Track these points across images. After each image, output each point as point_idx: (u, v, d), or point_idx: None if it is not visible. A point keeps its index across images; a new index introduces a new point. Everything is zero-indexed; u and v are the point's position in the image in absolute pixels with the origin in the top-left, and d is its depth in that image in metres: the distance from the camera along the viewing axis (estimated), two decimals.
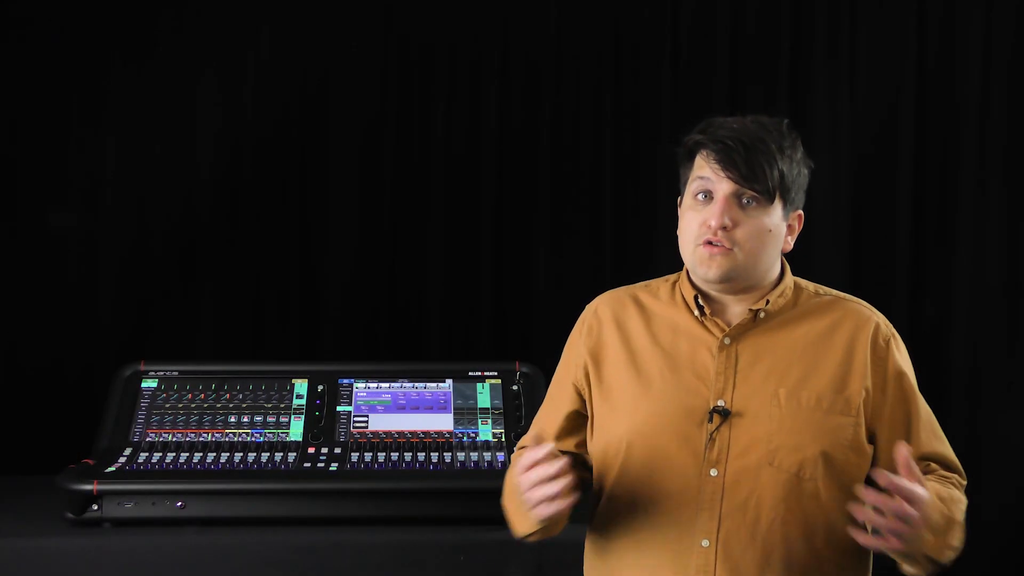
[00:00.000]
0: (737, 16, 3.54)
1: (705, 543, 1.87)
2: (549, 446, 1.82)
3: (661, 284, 2.06)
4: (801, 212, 1.99)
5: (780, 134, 1.94)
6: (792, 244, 1.99)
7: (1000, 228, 3.53)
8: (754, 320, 1.95)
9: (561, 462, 1.79)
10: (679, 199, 2.00)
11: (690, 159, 1.97)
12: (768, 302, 1.95)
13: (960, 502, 1.89)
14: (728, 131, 1.91)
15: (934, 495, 1.78)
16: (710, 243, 1.89)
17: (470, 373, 2.85)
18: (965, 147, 3.53)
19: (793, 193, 1.94)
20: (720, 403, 1.90)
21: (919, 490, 1.72)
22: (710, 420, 1.89)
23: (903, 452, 1.74)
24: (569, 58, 3.54)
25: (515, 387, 2.80)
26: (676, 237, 1.99)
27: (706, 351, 1.94)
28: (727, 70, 3.54)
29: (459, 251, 3.53)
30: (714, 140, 1.91)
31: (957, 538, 1.84)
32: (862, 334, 1.94)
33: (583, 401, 2.04)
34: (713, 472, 1.88)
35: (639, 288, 2.08)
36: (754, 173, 1.88)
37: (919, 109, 3.54)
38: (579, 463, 2.03)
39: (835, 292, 2.03)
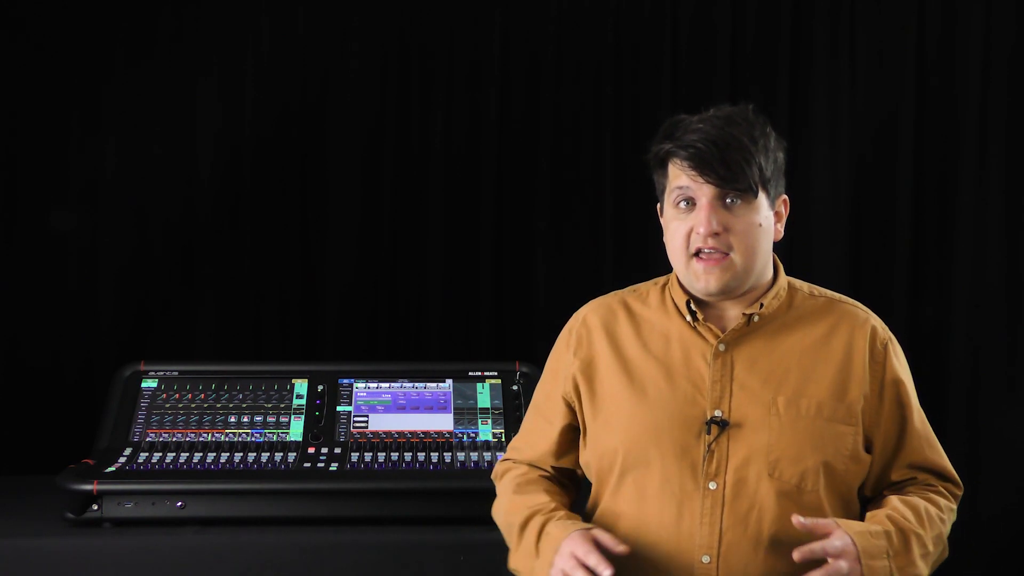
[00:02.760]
0: (737, 16, 3.54)
1: (706, 559, 1.81)
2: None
3: (651, 288, 2.00)
4: (786, 197, 1.94)
5: (749, 124, 1.86)
6: (783, 232, 1.93)
7: (1000, 228, 3.53)
8: (748, 324, 1.89)
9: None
10: (659, 206, 1.95)
11: (663, 167, 1.91)
12: (762, 305, 1.89)
13: (937, 510, 1.86)
14: (697, 133, 1.83)
15: (868, 520, 1.79)
16: (701, 254, 1.84)
17: (470, 373, 2.85)
18: (965, 147, 3.53)
19: (775, 181, 1.89)
20: (718, 413, 1.85)
21: (836, 541, 1.72)
22: (708, 431, 1.84)
23: (796, 521, 1.74)
24: (569, 58, 3.54)
25: (515, 387, 2.80)
26: (664, 243, 1.94)
27: (700, 358, 1.89)
28: (727, 70, 3.54)
29: (459, 251, 3.53)
30: (684, 146, 1.83)
31: (930, 551, 1.83)
32: (859, 338, 1.90)
33: (575, 414, 1.98)
34: (712, 485, 1.82)
35: (627, 294, 2.02)
36: (733, 173, 1.81)
37: (919, 109, 3.54)
38: (576, 482, 2.02)
39: (829, 293, 1.98)
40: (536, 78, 3.54)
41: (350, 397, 2.78)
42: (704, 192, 1.84)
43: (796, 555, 1.72)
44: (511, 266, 3.55)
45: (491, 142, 3.53)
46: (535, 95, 3.54)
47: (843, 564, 1.72)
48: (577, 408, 1.98)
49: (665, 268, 2.06)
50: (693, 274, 1.87)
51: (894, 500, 1.85)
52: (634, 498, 1.87)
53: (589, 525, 1.85)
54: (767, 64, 3.54)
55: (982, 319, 3.54)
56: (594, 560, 1.73)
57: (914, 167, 3.54)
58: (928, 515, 1.85)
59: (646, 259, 3.48)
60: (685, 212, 1.86)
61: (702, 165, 1.82)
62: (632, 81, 3.55)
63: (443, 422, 2.72)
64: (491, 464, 2.57)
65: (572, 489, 2.04)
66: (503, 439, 2.67)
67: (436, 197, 3.53)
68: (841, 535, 1.74)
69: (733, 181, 1.82)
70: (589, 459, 1.96)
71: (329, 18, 3.50)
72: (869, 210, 3.56)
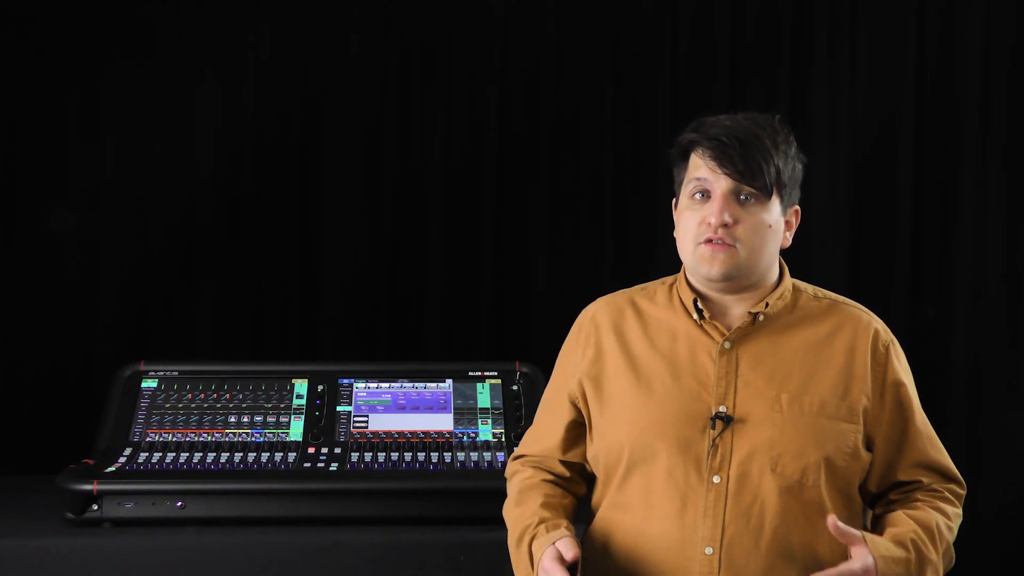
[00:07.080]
0: (737, 18, 3.54)
1: (709, 551, 1.85)
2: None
3: (658, 287, 2.04)
4: (798, 208, 1.99)
5: (773, 129, 1.93)
6: (791, 240, 1.98)
7: (1000, 228, 3.53)
8: (753, 323, 1.93)
9: None
10: (674, 200, 1.99)
11: (684, 159, 1.96)
12: (767, 305, 1.93)
13: (947, 520, 1.89)
14: (722, 128, 1.90)
15: (892, 541, 1.81)
16: (710, 241, 1.88)
17: (470, 373, 2.84)
18: (965, 147, 3.53)
19: (790, 188, 1.94)
20: (722, 409, 1.89)
21: (856, 565, 1.76)
22: (712, 426, 1.88)
23: (831, 522, 1.77)
24: (569, 60, 3.54)
25: (515, 387, 2.80)
26: (675, 238, 1.98)
27: (706, 355, 1.93)
28: (727, 72, 3.54)
29: (459, 251, 3.53)
30: (708, 138, 1.90)
31: (942, 564, 1.86)
32: (862, 340, 1.94)
33: (579, 411, 2.03)
34: (716, 479, 1.86)
35: (635, 292, 2.06)
36: (751, 169, 1.87)
37: (919, 109, 3.54)
38: (584, 476, 2.06)
39: (833, 295, 2.02)
40: (536, 76, 3.54)
41: (350, 397, 2.78)
42: (720, 184, 1.89)
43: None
44: (511, 266, 3.55)
45: (491, 142, 3.53)
46: (535, 93, 3.54)
47: None
48: (581, 405, 2.02)
49: (663, 269, 2.07)
50: (699, 257, 1.90)
51: (910, 522, 1.86)
52: (640, 491, 1.91)
53: (565, 533, 1.90)
54: (767, 64, 3.55)
55: (982, 319, 3.54)
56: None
57: (914, 167, 3.54)
58: (940, 533, 1.87)
59: (646, 258, 3.48)
60: (700, 203, 1.91)
61: (722, 157, 1.88)
62: (632, 83, 3.55)
63: (443, 422, 2.72)
64: (491, 464, 2.57)
65: (579, 483, 2.08)
66: (503, 439, 2.67)
67: (436, 196, 3.53)
68: (864, 555, 1.77)
69: (750, 177, 1.87)
70: (596, 453, 2.00)
71: (329, 19, 3.50)
72: (869, 211, 3.56)
